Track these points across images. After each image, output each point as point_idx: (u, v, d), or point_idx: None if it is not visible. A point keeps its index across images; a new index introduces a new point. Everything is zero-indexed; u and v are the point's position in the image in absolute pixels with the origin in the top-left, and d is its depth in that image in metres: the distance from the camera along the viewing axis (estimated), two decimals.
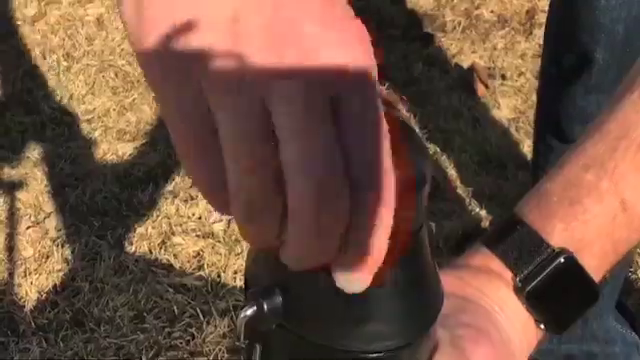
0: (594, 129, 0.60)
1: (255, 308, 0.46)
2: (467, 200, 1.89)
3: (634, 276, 1.72)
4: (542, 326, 0.57)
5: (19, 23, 2.39)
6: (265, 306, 0.46)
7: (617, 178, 0.57)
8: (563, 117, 1.28)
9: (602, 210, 0.57)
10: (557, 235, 0.57)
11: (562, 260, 0.56)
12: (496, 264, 0.58)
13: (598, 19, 1.17)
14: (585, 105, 1.26)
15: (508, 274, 0.57)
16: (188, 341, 1.64)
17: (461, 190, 1.92)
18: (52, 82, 2.20)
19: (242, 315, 0.46)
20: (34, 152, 2.02)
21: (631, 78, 0.60)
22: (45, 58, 2.27)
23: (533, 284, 0.56)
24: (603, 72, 1.20)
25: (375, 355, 0.47)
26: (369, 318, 0.46)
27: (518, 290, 0.57)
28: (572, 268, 0.57)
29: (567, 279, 0.57)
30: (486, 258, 0.58)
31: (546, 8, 1.60)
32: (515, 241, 0.57)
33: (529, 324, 0.57)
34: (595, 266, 0.57)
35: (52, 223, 1.86)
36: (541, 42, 1.87)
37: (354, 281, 0.42)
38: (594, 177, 0.57)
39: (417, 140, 0.46)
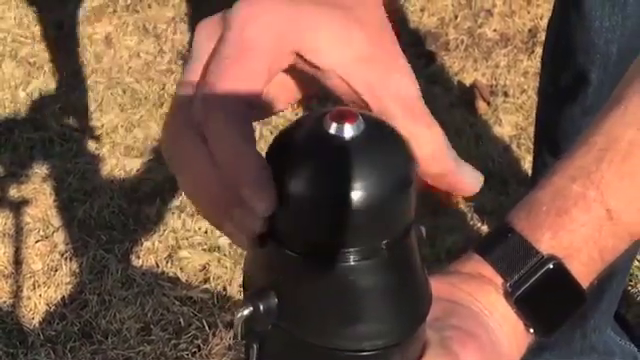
0: (581, 142, 0.62)
1: (251, 309, 0.48)
2: (469, 215, 1.92)
3: (634, 290, 1.74)
4: (531, 330, 0.60)
5: (28, 41, 2.43)
6: (261, 307, 0.48)
7: (603, 188, 0.59)
8: (560, 136, 1.30)
9: (589, 219, 0.59)
10: (546, 243, 0.59)
11: (551, 266, 0.58)
12: (487, 270, 0.59)
13: (593, 40, 1.19)
14: (582, 125, 1.28)
15: (499, 280, 0.59)
16: (194, 353, 1.66)
17: (463, 205, 1.94)
18: (60, 99, 2.23)
19: (239, 315, 0.48)
20: (42, 168, 2.04)
21: (617, 93, 0.63)
22: (54, 75, 2.30)
23: (522, 289, 0.58)
24: (598, 92, 1.22)
25: (366, 354, 0.49)
26: (359, 318, 0.48)
27: (508, 295, 0.58)
28: (560, 274, 0.58)
29: (555, 285, 0.59)
30: (477, 264, 0.60)
31: None
32: (506, 248, 0.59)
33: (518, 328, 0.59)
34: (583, 272, 0.59)
35: (60, 237, 1.89)
36: None
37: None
38: (581, 187, 0.59)
39: (401, 145, 0.48)
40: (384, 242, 0.47)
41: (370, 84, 0.51)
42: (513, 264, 0.59)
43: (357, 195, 0.45)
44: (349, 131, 0.46)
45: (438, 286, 0.55)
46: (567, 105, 1.27)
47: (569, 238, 0.59)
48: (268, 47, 0.49)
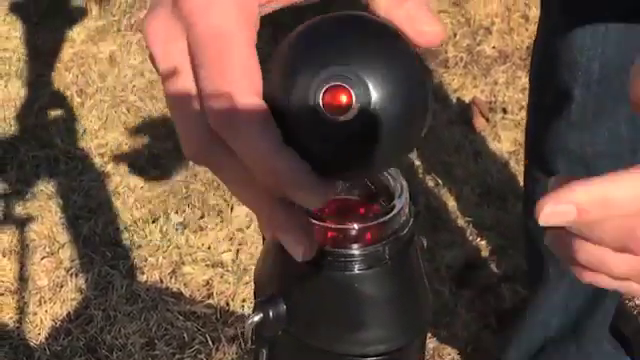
0: None
1: (261, 315, 0.51)
2: (468, 231, 1.93)
3: (631, 303, 1.76)
4: None
5: (34, 60, 2.45)
6: (270, 313, 0.51)
7: None
8: (547, 151, 1.31)
9: None
10: None
11: None
12: None
13: (575, 57, 1.21)
14: (567, 140, 1.29)
15: None
16: None
17: (462, 221, 1.96)
18: (66, 117, 2.25)
19: (249, 322, 0.51)
20: (48, 185, 2.06)
21: None
22: (59, 94, 2.33)
23: None
24: (582, 108, 1.24)
25: (370, 358, 0.51)
26: (363, 325, 0.51)
27: None
28: None
29: None
30: None
31: None
32: None
33: None
34: None
35: (66, 254, 1.91)
36: None
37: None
38: None
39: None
40: (387, 252, 0.50)
41: None
42: None
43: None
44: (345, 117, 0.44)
45: None
46: (553, 120, 1.28)
47: None
48: (243, 29, 0.45)
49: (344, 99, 0.43)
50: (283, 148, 0.44)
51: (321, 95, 0.43)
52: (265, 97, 0.45)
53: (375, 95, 0.44)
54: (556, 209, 0.41)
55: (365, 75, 0.44)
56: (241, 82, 0.44)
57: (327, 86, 0.43)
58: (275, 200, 0.47)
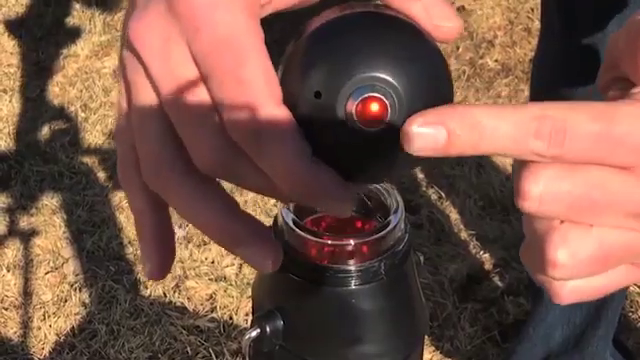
0: None
1: (258, 330, 0.51)
2: (471, 244, 1.94)
3: (634, 315, 1.76)
4: None
5: (37, 76, 2.46)
6: (267, 329, 0.51)
7: None
8: None
9: None
10: None
11: None
12: None
13: (575, 70, 1.23)
14: None
15: None
16: None
17: (465, 234, 1.96)
18: (70, 132, 2.26)
19: (246, 337, 0.51)
20: (52, 200, 2.07)
21: None
22: (63, 109, 2.34)
23: None
24: None
25: None
26: (360, 340, 0.51)
27: None
28: None
29: None
30: None
31: None
32: None
33: None
34: None
35: (70, 268, 1.91)
36: None
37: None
38: None
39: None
40: (383, 268, 0.50)
41: None
42: None
43: None
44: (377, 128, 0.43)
45: None
46: None
47: None
48: (253, 33, 0.42)
49: (377, 109, 0.42)
50: (313, 160, 0.42)
51: (353, 107, 0.42)
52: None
53: (406, 100, 0.42)
54: (424, 130, 0.38)
55: (396, 81, 0.42)
56: (262, 92, 0.41)
57: (359, 98, 0.41)
58: (233, 214, 0.45)
